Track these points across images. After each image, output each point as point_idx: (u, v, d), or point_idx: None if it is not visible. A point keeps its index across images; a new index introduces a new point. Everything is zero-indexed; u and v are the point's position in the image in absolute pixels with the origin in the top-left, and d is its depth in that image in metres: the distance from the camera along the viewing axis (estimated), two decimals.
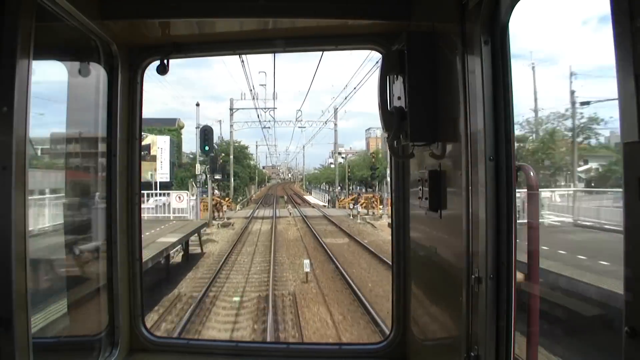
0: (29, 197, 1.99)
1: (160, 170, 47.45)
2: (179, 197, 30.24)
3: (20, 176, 1.90)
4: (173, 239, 17.62)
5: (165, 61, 3.10)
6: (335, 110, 55.98)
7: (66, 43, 2.94)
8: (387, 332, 3.43)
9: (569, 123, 28.34)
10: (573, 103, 27.44)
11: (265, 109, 50.08)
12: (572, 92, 27.25)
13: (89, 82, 3.04)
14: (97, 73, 3.00)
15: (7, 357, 1.83)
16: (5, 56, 1.87)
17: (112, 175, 2.99)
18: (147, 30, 3.08)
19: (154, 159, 47.05)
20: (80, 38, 2.76)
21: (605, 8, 1.19)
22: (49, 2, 2.19)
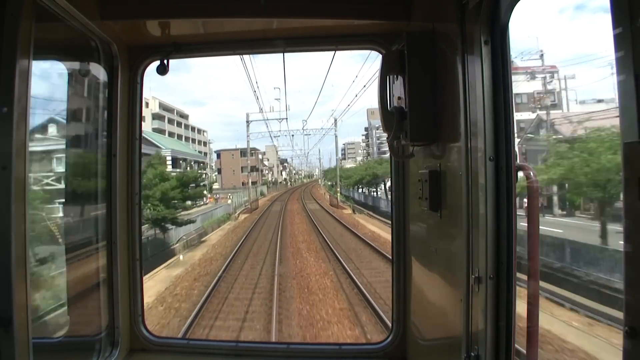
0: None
1: None
2: None
3: (20, 176, 1.90)
4: None
5: (165, 61, 3.10)
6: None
7: (66, 43, 2.93)
8: (388, 331, 3.43)
9: None
10: None
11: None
12: None
13: (89, 82, 3.04)
14: (97, 73, 3.00)
15: (7, 357, 1.83)
16: (5, 56, 1.87)
17: (112, 175, 2.99)
18: (147, 30, 3.08)
19: None
20: (80, 38, 2.76)
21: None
22: (49, 2, 2.19)
